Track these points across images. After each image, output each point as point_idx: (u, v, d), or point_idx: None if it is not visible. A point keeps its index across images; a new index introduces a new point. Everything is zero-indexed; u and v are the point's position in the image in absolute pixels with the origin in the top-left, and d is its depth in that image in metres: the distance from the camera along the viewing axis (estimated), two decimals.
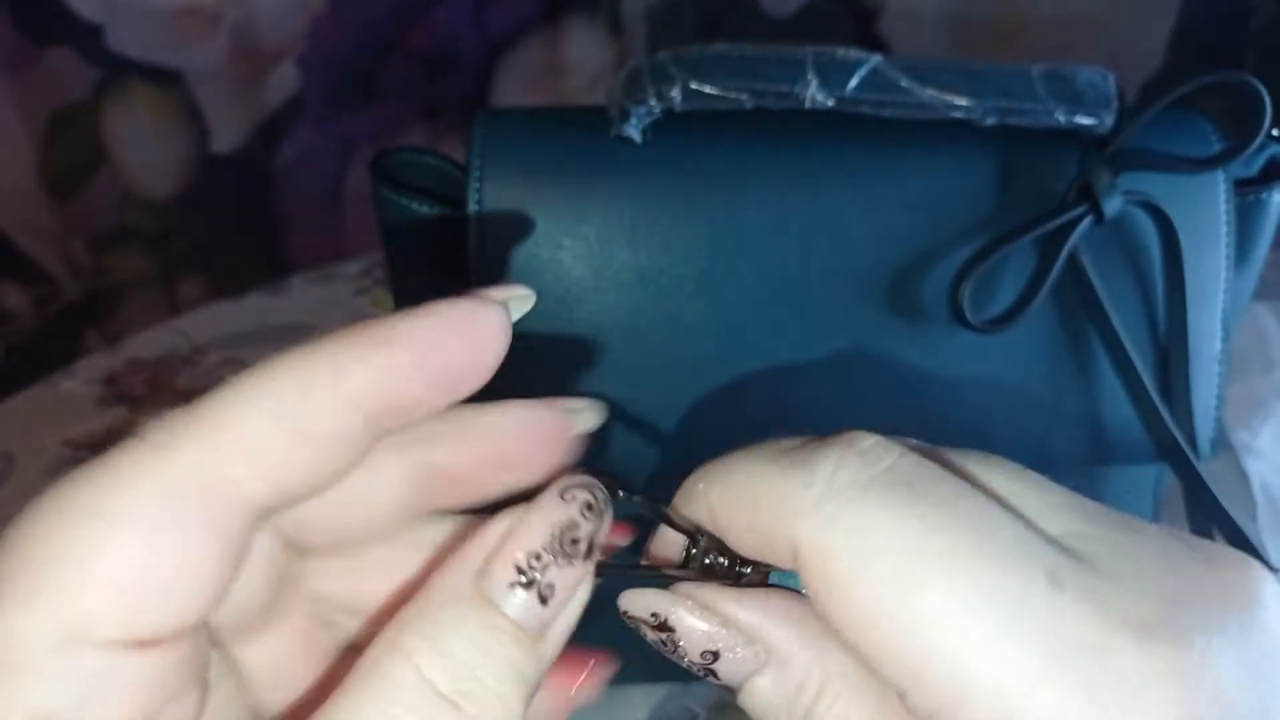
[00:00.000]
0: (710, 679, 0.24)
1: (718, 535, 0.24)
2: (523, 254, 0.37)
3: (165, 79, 0.96)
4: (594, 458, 0.29)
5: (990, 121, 0.36)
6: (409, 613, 0.21)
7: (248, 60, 0.97)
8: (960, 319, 0.36)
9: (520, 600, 0.21)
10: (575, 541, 0.22)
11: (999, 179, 0.38)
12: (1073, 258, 0.37)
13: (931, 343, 0.38)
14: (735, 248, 0.37)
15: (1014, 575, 0.20)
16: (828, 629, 0.22)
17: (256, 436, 0.20)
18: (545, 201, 0.37)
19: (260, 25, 0.96)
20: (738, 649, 0.23)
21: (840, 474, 0.21)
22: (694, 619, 0.23)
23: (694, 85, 0.35)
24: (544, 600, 0.21)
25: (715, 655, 0.23)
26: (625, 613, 0.24)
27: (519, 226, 0.37)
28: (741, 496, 0.23)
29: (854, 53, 0.35)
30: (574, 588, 0.22)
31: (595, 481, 0.23)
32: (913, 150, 0.38)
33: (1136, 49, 0.94)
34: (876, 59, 0.35)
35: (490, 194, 0.37)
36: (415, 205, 0.39)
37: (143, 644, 0.19)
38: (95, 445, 0.64)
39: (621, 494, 0.23)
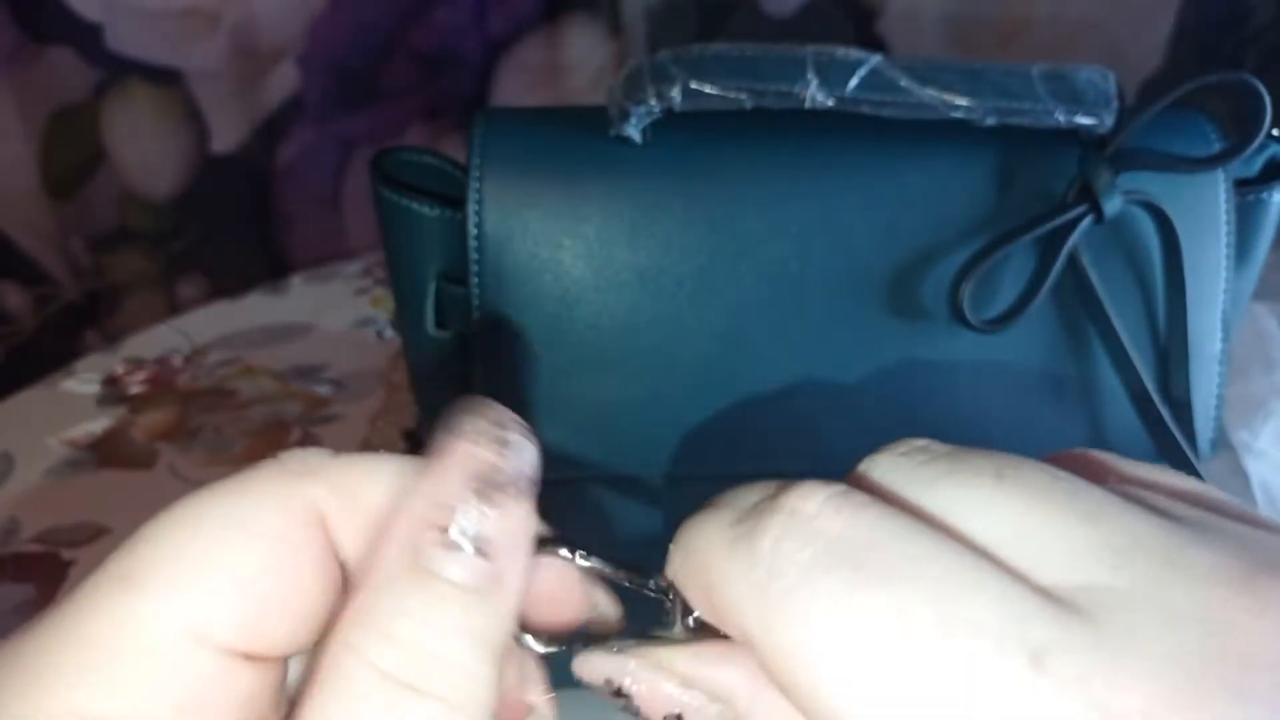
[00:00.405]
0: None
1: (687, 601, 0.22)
2: (523, 253, 0.37)
3: (165, 79, 0.96)
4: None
5: (990, 121, 0.36)
6: (355, 606, 0.20)
7: (247, 60, 0.97)
8: (960, 319, 0.36)
9: (459, 563, 0.20)
10: (499, 485, 0.20)
11: (998, 178, 0.38)
12: (1073, 257, 0.37)
13: (931, 342, 0.39)
14: (735, 248, 0.37)
15: (983, 659, 0.16)
16: None
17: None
18: (545, 201, 0.37)
19: (260, 25, 0.96)
20: (704, 709, 0.21)
21: (780, 550, 0.18)
22: (649, 683, 0.22)
23: (694, 85, 0.35)
24: (484, 554, 0.20)
25: (678, 718, 0.22)
26: (579, 679, 0.23)
27: (519, 226, 0.37)
28: (696, 572, 0.21)
29: (854, 53, 0.35)
30: (515, 532, 0.20)
31: (502, 411, 0.21)
32: (912, 149, 0.38)
33: (1136, 49, 0.94)
34: (876, 59, 0.35)
35: (490, 193, 0.37)
36: (415, 206, 0.39)
37: (252, 657, 0.20)
38: (95, 445, 0.64)
39: (580, 557, 0.22)
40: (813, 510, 0.19)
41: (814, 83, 0.35)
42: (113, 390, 0.71)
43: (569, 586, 0.23)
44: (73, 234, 0.98)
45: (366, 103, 1.03)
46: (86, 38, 0.91)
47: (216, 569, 0.20)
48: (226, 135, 1.00)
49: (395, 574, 0.20)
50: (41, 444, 0.65)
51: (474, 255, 0.37)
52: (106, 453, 0.64)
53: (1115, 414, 0.40)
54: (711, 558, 0.20)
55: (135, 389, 0.71)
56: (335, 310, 0.81)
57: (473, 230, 0.37)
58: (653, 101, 0.35)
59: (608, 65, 1.06)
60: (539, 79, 1.06)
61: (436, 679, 0.19)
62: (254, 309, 0.82)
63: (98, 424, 0.67)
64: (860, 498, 0.19)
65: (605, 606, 0.24)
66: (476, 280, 0.38)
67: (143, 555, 0.21)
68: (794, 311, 0.38)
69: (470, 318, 0.38)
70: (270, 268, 1.05)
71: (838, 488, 0.19)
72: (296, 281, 0.87)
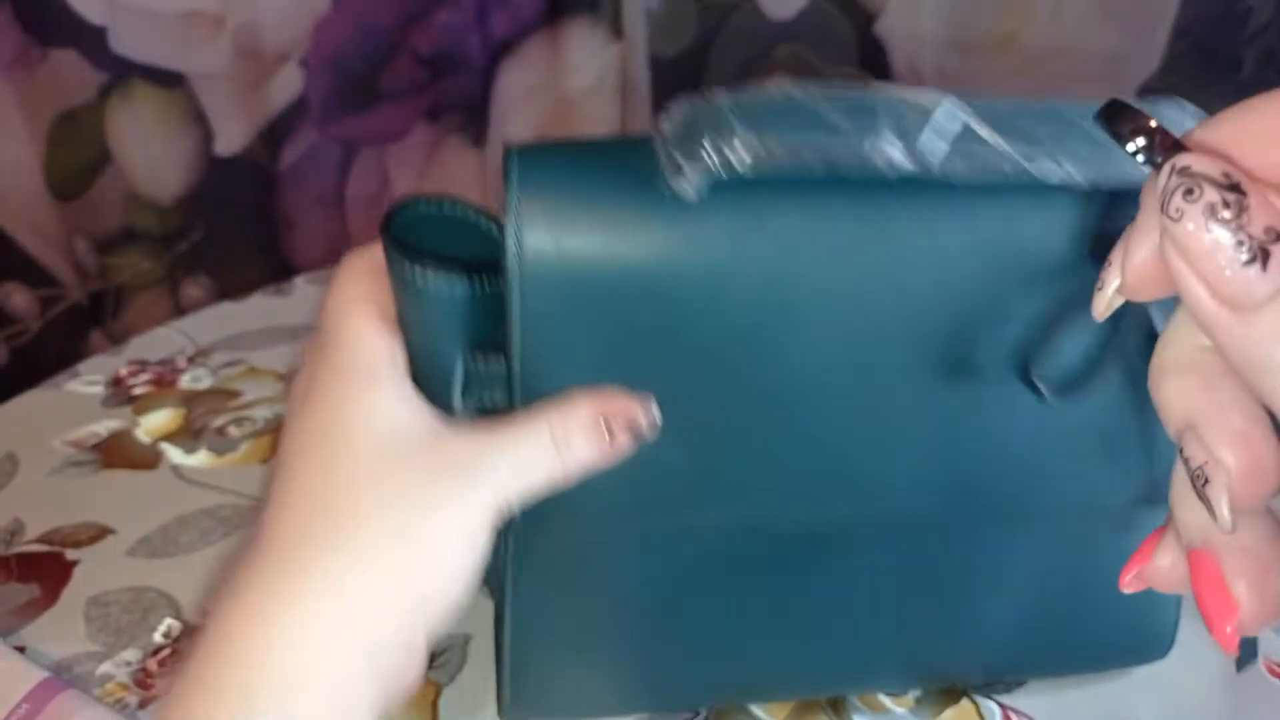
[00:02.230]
0: (1256, 266, 0.20)
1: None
2: (571, 325, 0.34)
3: (169, 81, 0.96)
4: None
5: (1086, 186, 0.33)
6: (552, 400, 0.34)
7: (251, 62, 0.97)
8: (1032, 388, 0.36)
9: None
10: (635, 430, 0.34)
11: (1072, 231, 0.36)
12: (1145, 315, 0.35)
13: (990, 397, 0.37)
14: (792, 304, 0.35)
15: None
16: None
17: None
18: (594, 269, 0.34)
19: (263, 27, 0.96)
20: None
21: None
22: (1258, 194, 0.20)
23: (761, 147, 0.31)
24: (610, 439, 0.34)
25: (1278, 237, 0.20)
26: (1186, 168, 0.21)
27: (565, 298, 0.34)
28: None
29: (923, 96, 0.33)
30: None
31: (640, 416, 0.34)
32: (983, 199, 0.35)
33: (1134, 50, 0.94)
34: (945, 104, 0.32)
35: (533, 264, 0.33)
36: (442, 282, 0.34)
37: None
38: (99, 446, 0.65)
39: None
40: None
41: (891, 144, 0.32)
42: (117, 391, 0.71)
43: None
44: (77, 235, 0.98)
45: (369, 104, 1.03)
46: (91, 40, 0.91)
47: (424, 548, 0.33)
48: (230, 137, 1.00)
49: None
50: (46, 444, 0.65)
51: (515, 332, 0.34)
52: (110, 453, 0.64)
53: (1170, 453, 0.38)
54: None
55: (139, 390, 0.71)
56: None
57: (515, 308, 0.34)
58: (712, 160, 0.32)
59: (609, 66, 1.06)
60: (541, 80, 1.06)
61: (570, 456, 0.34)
62: (258, 310, 0.82)
63: (102, 425, 0.67)
64: None
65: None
66: (518, 357, 0.34)
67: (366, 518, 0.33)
68: (853, 367, 0.36)
69: (507, 392, 0.35)
70: (274, 269, 1.05)
71: None
72: (300, 283, 0.87)
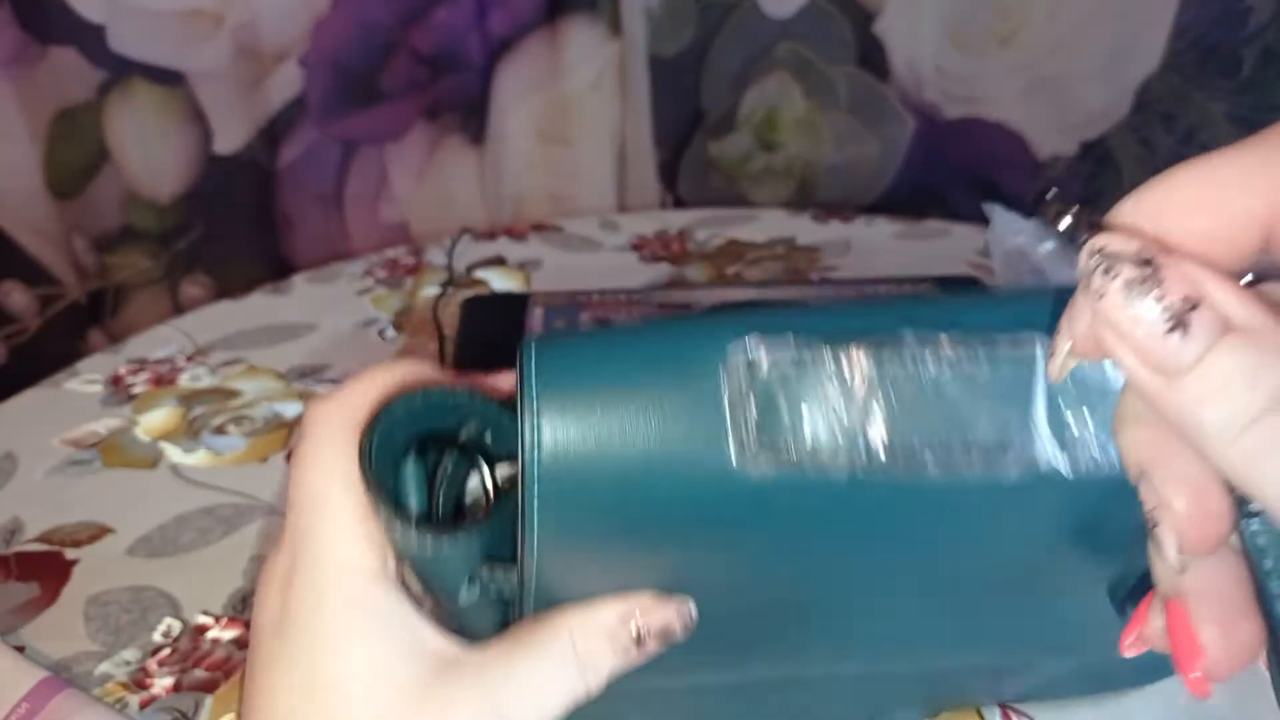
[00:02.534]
0: (1177, 334, 0.20)
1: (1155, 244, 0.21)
2: (591, 517, 0.30)
3: (168, 79, 0.96)
4: None
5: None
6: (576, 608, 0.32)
7: (250, 61, 0.97)
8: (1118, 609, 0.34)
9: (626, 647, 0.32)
10: (668, 635, 0.32)
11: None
12: None
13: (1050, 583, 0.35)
14: (851, 530, 0.32)
15: None
16: None
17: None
18: (616, 454, 0.29)
19: (262, 26, 0.96)
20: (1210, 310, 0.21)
21: None
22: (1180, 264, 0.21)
23: (876, 458, 0.28)
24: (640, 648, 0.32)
25: (1194, 305, 0.20)
26: (1103, 248, 0.22)
27: (585, 488, 0.30)
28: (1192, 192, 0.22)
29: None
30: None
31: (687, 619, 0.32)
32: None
33: (1134, 50, 0.94)
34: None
35: (550, 448, 0.29)
36: (444, 540, 0.31)
37: None
38: (99, 445, 0.65)
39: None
40: None
41: (1047, 444, 0.27)
42: (116, 390, 0.71)
43: None
44: (76, 234, 0.98)
45: (369, 103, 1.03)
46: (89, 38, 0.91)
47: None
48: (229, 136, 1.00)
49: (607, 629, 0.33)
50: (45, 444, 0.65)
51: (531, 542, 0.30)
52: (110, 452, 0.64)
53: None
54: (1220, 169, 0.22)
55: (138, 389, 0.71)
56: (337, 310, 0.81)
57: (532, 518, 0.30)
58: (802, 459, 0.28)
59: (608, 64, 1.06)
60: (539, 79, 1.06)
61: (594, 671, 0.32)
62: (256, 309, 0.82)
63: (101, 424, 0.67)
64: None
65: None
66: (534, 567, 0.31)
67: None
68: (907, 578, 0.34)
69: (519, 583, 0.32)
70: (273, 268, 1.05)
71: None
72: (299, 281, 0.87)
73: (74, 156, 0.96)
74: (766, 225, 0.96)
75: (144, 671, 0.49)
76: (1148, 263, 0.21)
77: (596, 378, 0.29)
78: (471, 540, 0.31)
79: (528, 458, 0.29)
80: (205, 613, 0.52)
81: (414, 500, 0.31)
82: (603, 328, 0.32)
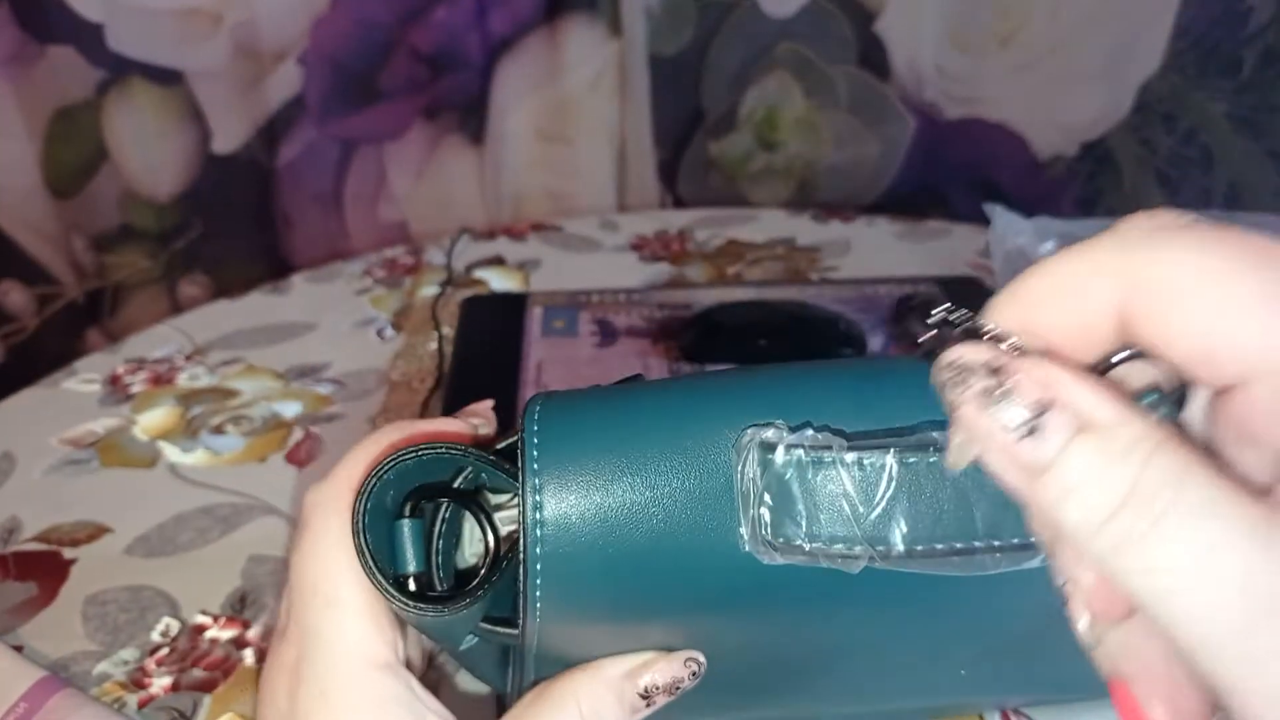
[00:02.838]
0: (1031, 438, 0.21)
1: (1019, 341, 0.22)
2: (593, 580, 0.29)
3: (166, 78, 0.96)
4: None
5: None
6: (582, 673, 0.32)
7: (249, 60, 0.97)
8: None
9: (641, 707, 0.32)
10: (676, 688, 0.32)
11: None
12: None
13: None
14: (835, 641, 0.32)
15: None
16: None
17: None
18: (617, 518, 0.29)
19: (261, 25, 0.96)
20: (1065, 409, 0.21)
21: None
22: (1035, 363, 0.22)
23: (824, 540, 0.27)
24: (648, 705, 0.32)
25: (1046, 408, 0.21)
26: (953, 362, 0.22)
27: (586, 552, 0.29)
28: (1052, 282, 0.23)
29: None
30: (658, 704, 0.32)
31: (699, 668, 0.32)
32: None
33: (1134, 50, 0.94)
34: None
35: (552, 516, 0.29)
36: (443, 621, 0.30)
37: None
38: (96, 444, 0.65)
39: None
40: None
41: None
42: (114, 389, 0.71)
43: None
44: (74, 233, 0.98)
45: (368, 102, 1.03)
46: (88, 37, 0.91)
47: None
48: (228, 135, 1.00)
49: (613, 684, 0.33)
50: (43, 443, 0.65)
51: (532, 605, 0.30)
52: (108, 452, 0.64)
53: None
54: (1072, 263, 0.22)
55: (136, 388, 0.71)
56: (336, 310, 0.81)
57: (533, 584, 0.29)
58: (815, 554, 0.27)
59: (607, 64, 1.06)
60: (539, 78, 1.06)
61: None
62: (255, 308, 0.82)
63: (99, 423, 0.67)
64: None
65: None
66: (534, 631, 0.31)
67: None
68: (906, 641, 0.34)
69: (518, 648, 0.32)
70: (271, 267, 1.05)
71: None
72: (297, 281, 0.87)
73: (72, 155, 0.96)
74: (766, 225, 0.96)
75: (142, 671, 0.48)
76: (997, 371, 0.21)
77: (602, 449, 0.29)
78: (470, 608, 0.30)
79: (529, 530, 0.28)
80: (203, 612, 0.52)
81: (412, 561, 0.31)
82: (609, 390, 0.31)
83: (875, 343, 0.66)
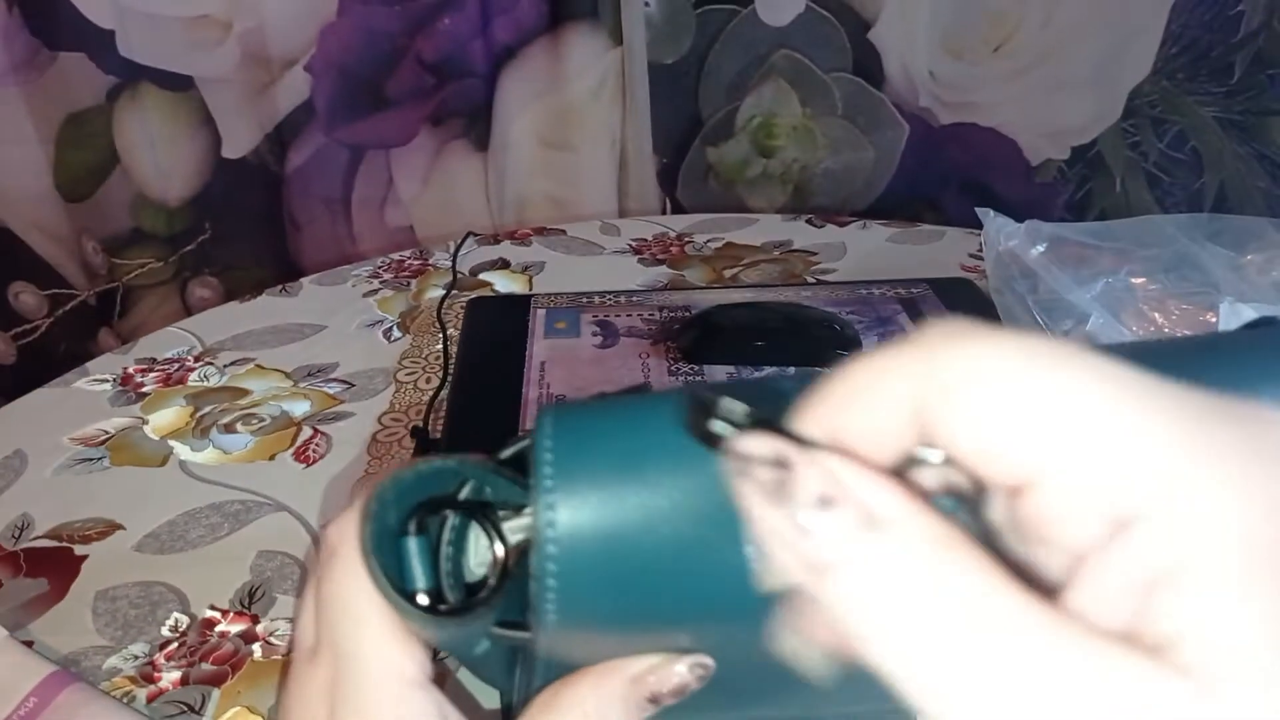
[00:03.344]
0: (800, 539, 0.21)
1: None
2: (608, 589, 0.29)
3: (177, 84, 0.97)
4: None
5: None
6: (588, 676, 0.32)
7: (258, 67, 0.98)
8: None
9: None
10: (681, 691, 0.32)
11: None
12: None
13: None
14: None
15: None
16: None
17: None
18: (632, 525, 0.29)
19: (270, 33, 0.97)
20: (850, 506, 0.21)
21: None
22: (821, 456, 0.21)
23: None
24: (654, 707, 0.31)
25: (829, 502, 0.21)
26: (737, 454, 0.22)
27: (602, 563, 0.29)
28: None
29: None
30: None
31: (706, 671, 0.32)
32: None
33: (1125, 55, 0.95)
34: None
35: (566, 528, 0.28)
36: (455, 631, 0.30)
37: None
38: (107, 443, 0.66)
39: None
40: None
41: None
42: (125, 389, 0.72)
43: None
44: (86, 236, 1.00)
45: (375, 109, 1.04)
46: (99, 43, 0.92)
47: None
48: (238, 140, 1.01)
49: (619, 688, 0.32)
50: (54, 441, 0.66)
51: (545, 619, 0.29)
52: (119, 450, 0.65)
53: None
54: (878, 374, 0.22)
55: (147, 388, 0.72)
56: (344, 311, 0.82)
57: (546, 595, 0.29)
58: None
59: (609, 72, 1.07)
60: (542, 86, 1.06)
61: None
62: (264, 310, 0.83)
63: (110, 422, 0.68)
64: None
65: None
66: (545, 647, 0.31)
67: None
68: None
69: (527, 652, 0.33)
70: (280, 270, 1.06)
71: None
72: (306, 283, 0.88)
73: (84, 160, 0.97)
74: (763, 229, 0.96)
75: (152, 665, 0.49)
76: (782, 464, 0.21)
77: (614, 462, 0.29)
78: (479, 619, 0.31)
79: (542, 544, 0.28)
80: (213, 607, 0.52)
81: (420, 576, 0.31)
82: (619, 400, 0.31)
83: (870, 344, 0.66)
